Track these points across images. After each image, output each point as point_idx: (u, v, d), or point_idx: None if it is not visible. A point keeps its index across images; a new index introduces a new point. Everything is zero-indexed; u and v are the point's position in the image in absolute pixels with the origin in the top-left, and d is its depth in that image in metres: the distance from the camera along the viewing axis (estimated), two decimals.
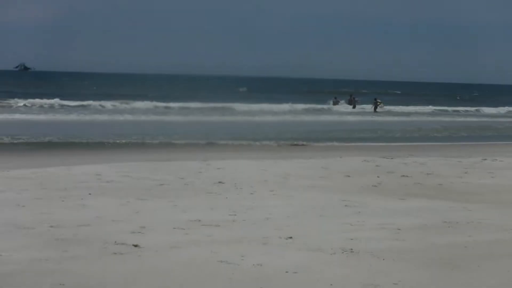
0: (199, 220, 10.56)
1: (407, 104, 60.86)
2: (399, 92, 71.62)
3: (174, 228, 10.05)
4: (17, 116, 38.54)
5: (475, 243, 9.53)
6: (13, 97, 50.69)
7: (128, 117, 41.60)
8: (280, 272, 7.79)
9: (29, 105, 47.24)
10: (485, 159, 19.17)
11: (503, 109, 61.38)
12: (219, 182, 14.56)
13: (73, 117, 41.08)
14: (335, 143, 25.76)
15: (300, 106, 53.88)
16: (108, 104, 49.98)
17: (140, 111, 46.03)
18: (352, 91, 72.44)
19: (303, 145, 25.45)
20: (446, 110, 59.51)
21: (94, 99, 51.32)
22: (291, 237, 9.56)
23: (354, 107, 56.71)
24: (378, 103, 55.65)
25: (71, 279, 7.39)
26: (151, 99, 53.90)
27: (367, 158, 18.96)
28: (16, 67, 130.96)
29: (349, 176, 15.68)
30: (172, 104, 50.36)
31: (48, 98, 49.80)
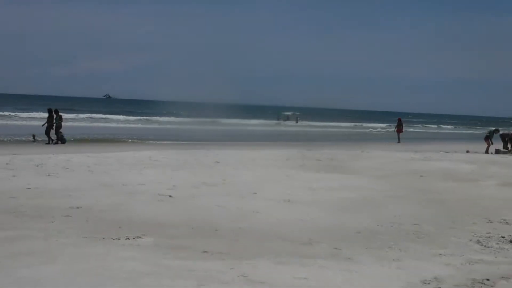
0: (205, 183, 13.70)
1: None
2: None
3: (191, 187, 13.05)
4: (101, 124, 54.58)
5: (360, 196, 12.61)
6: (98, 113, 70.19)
7: (158, 125, 58.18)
8: (251, 212, 10.55)
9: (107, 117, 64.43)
10: (363, 151, 24.58)
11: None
12: (216, 161, 18.83)
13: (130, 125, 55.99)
14: (280, 142, 31.02)
15: (267, 122, 73.73)
16: (148, 118, 68.18)
17: (169, 123, 62.23)
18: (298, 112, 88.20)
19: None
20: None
21: (140, 115, 70.17)
22: (255, 193, 12.56)
23: (296, 122, 77.63)
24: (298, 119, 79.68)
25: (134, 213, 9.91)
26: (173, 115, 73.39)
27: (298, 150, 24.31)
28: (104, 96, 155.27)
29: (288, 159, 20.45)
30: (187, 119, 65.11)
31: (118, 114, 70.33)
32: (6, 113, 60.26)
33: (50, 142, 29.94)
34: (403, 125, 44.42)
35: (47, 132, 30.09)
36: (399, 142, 40.55)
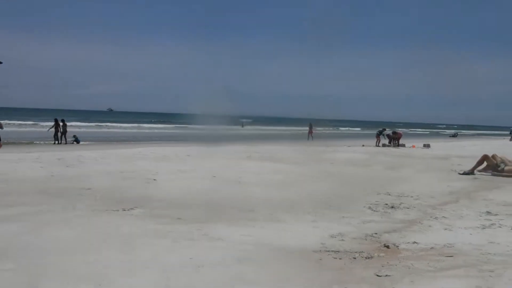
0: (180, 170, 13.56)
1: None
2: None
3: (170, 173, 12.86)
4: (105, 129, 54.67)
5: (288, 178, 12.41)
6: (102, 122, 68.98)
7: (148, 130, 58.45)
8: (211, 190, 10.33)
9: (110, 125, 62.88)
10: (290, 147, 23.95)
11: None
12: (187, 155, 18.68)
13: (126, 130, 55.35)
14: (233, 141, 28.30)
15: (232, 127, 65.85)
16: (140, 125, 67.69)
17: (156, 128, 63.27)
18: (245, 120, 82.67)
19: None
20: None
21: (134, 123, 68.96)
22: (215, 176, 12.39)
23: (242, 126, 73.29)
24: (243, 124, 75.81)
25: (128, 192, 9.72)
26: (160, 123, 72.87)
27: (247, 147, 23.54)
28: (107, 109, 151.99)
29: (237, 153, 20.36)
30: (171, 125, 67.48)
31: (117, 123, 69.27)
32: (36, 122, 60.29)
33: (56, 142, 29.94)
34: (313, 128, 44.81)
35: (55, 135, 30.34)
36: (308, 139, 40.76)
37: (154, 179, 11.61)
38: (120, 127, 62.71)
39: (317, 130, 51.16)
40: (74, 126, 42.69)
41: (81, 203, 8.35)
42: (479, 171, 14.70)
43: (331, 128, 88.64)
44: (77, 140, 30.92)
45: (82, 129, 40.89)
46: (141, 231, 6.53)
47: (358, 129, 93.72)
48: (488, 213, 8.44)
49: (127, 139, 35.53)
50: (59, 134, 30.36)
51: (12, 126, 48.30)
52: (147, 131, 57.87)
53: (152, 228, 6.75)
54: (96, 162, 15.24)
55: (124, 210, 7.88)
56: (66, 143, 29.84)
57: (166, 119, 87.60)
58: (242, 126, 76.16)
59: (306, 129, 44.76)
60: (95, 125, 64.49)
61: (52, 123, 31.58)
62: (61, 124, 30.62)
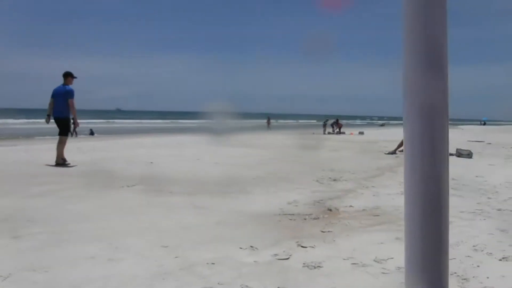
0: (171, 155, 13.33)
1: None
2: None
3: (164, 157, 12.60)
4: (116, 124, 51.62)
5: (256, 160, 12.34)
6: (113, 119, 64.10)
7: (149, 125, 53.75)
8: (196, 169, 10.21)
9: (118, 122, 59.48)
10: (259, 135, 23.88)
11: None
12: (178, 143, 18.57)
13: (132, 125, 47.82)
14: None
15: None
16: (142, 121, 63.82)
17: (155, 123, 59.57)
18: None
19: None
20: None
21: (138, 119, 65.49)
22: (198, 159, 12.27)
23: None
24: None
25: (131, 172, 9.54)
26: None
27: (221, 137, 23.68)
28: (115, 108, 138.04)
29: (225, 144, 20.02)
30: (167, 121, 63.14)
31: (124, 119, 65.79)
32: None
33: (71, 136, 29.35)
34: (271, 120, 44.84)
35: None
36: (268, 129, 40.80)
37: (151, 162, 11.44)
38: (127, 123, 61.42)
39: (276, 122, 50.85)
40: (89, 123, 41.84)
41: (94, 181, 8.26)
42: (400, 151, 14.95)
43: (291, 121, 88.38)
44: (92, 133, 30.40)
45: (97, 125, 40.18)
46: (141, 203, 6.49)
47: (314, 121, 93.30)
48: None
49: (130, 132, 35.03)
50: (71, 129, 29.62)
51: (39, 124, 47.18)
52: (148, 125, 56.74)
53: (151, 200, 6.72)
54: (106, 150, 14.99)
55: (128, 186, 7.81)
56: (77, 136, 29.18)
57: (166, 116, 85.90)
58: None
59: (264, 121, 45.15)
60: (105, 121, 63.14)
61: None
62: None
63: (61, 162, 10.27)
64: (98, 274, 3.58)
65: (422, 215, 0.71)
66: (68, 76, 10.46)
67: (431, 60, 0.68)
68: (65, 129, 10.38)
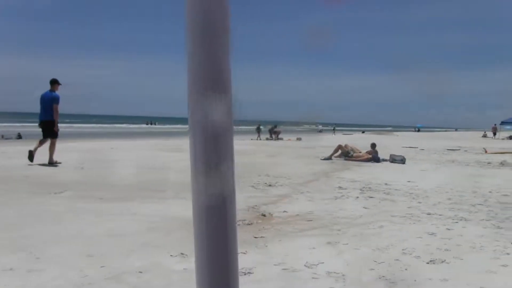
0: (111, 159, 12.92)
1: None
2: None
3: (100, 162, 12.13)
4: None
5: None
6: None
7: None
8: (132, 174, 10.07)
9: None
10: None
11: None
12: (114, 148, 18.23)
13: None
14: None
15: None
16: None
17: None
18: None
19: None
20: None
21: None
22: (132, 163, 12.01)
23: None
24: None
25: (60, 176, 9.29)
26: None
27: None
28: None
29: (157, 145, 19.72)
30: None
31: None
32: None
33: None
34: None
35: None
36: None
37: (82, 167, 11.00)
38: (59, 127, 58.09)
39: None
40: (17, 126, 39.39)
41: (18, 188, 7.81)
42: (335, 157, 15.42)
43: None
44: (19, 137, 28.77)
45: (27, 128, 37.83)
46: (69, 210, 6.21)
47: (254, 127, 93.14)
48: (340, 187, 8.87)
49: (63, 136, 33.51)
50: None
51: None
52: (84, 130, 53.14)
53: (79, 207, 6.44)
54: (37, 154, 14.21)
55: (56, 193, 7.45)
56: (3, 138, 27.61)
57: (104, 120, 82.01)
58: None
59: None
60: (36, 125, 59.33)
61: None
62: None
63: (53, 161, 11.17)
64: (16, 287, 3.36)
65: (209, 230, 0.74)
66: (54, 83, 11.31)
67: (213, 84, 0.70)
68: (53, 132, 11.22)
